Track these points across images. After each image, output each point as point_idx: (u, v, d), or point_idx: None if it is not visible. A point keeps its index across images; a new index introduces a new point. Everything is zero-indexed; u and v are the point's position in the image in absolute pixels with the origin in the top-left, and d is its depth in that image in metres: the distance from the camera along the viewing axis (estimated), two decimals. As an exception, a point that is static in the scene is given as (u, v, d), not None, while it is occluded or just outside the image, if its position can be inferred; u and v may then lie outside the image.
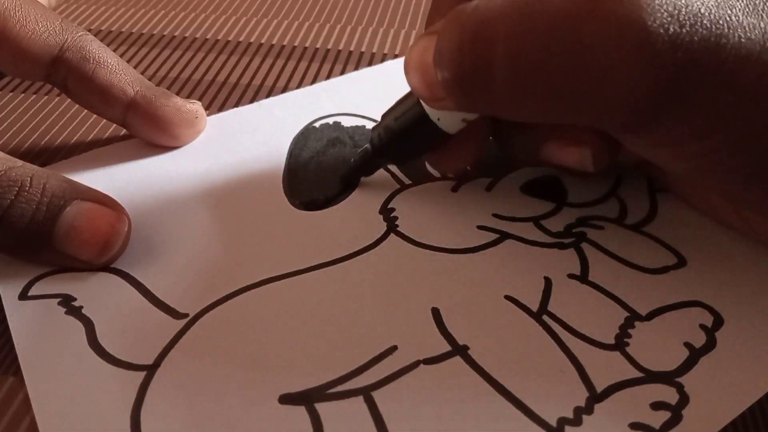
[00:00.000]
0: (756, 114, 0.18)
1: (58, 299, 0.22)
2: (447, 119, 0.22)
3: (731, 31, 0.17)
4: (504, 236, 0.24)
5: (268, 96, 0.32)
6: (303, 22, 0.38)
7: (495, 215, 0.25)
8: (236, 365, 0.20)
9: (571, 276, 0.22)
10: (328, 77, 0.33)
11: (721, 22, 0.17)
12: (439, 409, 0.19)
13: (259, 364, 0.20)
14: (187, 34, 0.37)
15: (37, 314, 0.21)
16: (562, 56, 0.18)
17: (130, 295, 0.22)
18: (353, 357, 0.20)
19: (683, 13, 0.17)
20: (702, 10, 0.17)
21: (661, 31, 0.17)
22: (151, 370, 0.20)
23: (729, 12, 0.17)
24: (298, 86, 0.32)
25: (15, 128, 0.30)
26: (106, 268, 0.23)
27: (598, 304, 0.22)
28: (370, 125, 0.29)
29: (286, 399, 0.19)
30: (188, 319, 0.21)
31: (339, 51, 0.35)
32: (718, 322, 0.21)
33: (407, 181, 0.26)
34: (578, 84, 0.18)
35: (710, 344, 0.20)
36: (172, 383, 0.19)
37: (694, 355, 0.20)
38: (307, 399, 0.19)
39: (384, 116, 0.24)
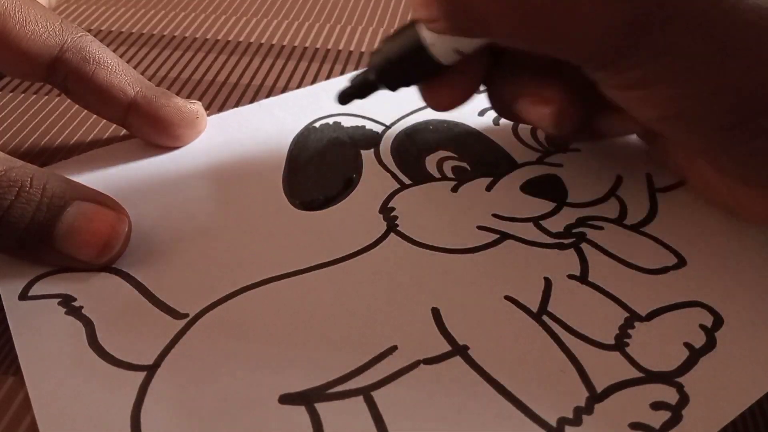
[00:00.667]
0: (724, 63, 0.18)
1: (58, 299, 0.22)
2: (440, 47, 0.23)
3: None
4: (504, 236, 0.24)
5: (268, 96, 0.32)
6: (303, 22, 0.38)
7: (495, 215, 0.25)
8: (236, 365, 0.20)
9: (571, 276, 0.22)
10: (328, 77, 0.33)
11: None
12: (439, 409, 0.19)
13: (259, 364, 0.20)
14: (187, 34, 0.37)
15: (37, 314, 0.21)
16: None
17: (130, 295, 0.22)
18: (353, 357, 0.20)
19: None
20: None
21: None
22: (151, 370, 0.20)
23: None
24: (298, 86, 0.32)
25: (15, 128, 0.30)
26: (106, 268, 0.23)
27: (598, 304, 0.22)
28: (370, 125, 0.29)
29: (286, 399, 0.19)
30: (188, 319, 0.21)
31: (339, 51, 0.35)
32: (718, 322, 0.21)
33: (407, 181, 0.26)
34: (554, 5, 0.19)
35: (710, 344, 0.20)
36: (172, 383, 0.19)
37: (694, 355, 0.20)
38: (307, 399, 0.19)
39: (384, 41, 0.25)
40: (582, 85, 0.22)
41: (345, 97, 0.26)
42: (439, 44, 0.23)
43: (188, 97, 0.31)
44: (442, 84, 0.24)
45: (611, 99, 0.21)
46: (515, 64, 0.24)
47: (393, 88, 0.26)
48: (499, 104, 0.26)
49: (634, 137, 0.28)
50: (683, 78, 0.19)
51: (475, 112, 0.30)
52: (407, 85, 0.25)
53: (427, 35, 0.23)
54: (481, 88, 0.25)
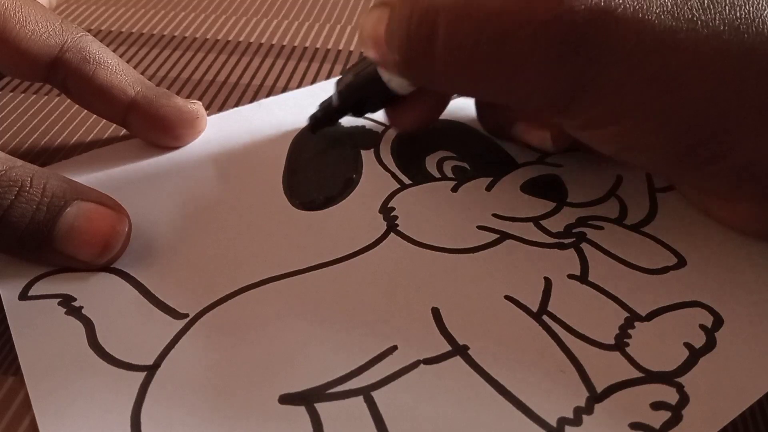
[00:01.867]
0: (664, 100, 0.19)
1: (58, 299, 0.22)
2: (396, 81, 0.25)
3: (646, 25, 0.19)
4: (504, 236, 0.24)
5: (268, 96, 0.32)
6: (303, 22, 0.38)
7: (495, 215, 0.25)
8: (236, 365, 0.20)
9: (571, 276, 0.22)
10: (328, 77, 0.33)
11: (637, 13, 0.19)
12: (439, 409, 0.19)
13: (259, 364, 0.20)
14: (187, 34, 0.37)
15: (37, 314, 0.21)
16: (490, 44, 0.20)
17: (130, 295, 0.22)
18: (353, 357, 0.20)
19: (600, 4, 0.19)
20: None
21: (571, 18, 0.19)
22: (151, 370, 0.20)
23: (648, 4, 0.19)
24: (298, 86, 0.32)
25: (15, 128, 0.30)
26: (106, 268, 0.23)
27: (598, 304, 0.22)
28: (370, 125, 0.29)
29: (286, 399, 0.19)
30: (188, 319, 0.21)
31: (339, 51, 0.35)
32: (718, 322, 0.21)
33: (407, 181, 0.26)
34: (503, 69, 0.21)
35: (710, 344, 0.20)
36: (172, 383, 0.19)
37: (694, 355, 0.20)
38: (307, 399, 0.19)
39: (346, 72, 0.27)
40: None
41: (315, 125, 0.28)
42: (394, 79, 0.25)
43: (188, 97, 0.31)
44: (404, 110, 0.27)
45: (574, 136, 0.23)
46: None
47: (358, 114, 0.28)
48: (490, 126, 0.28)
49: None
50: (627, 116, 0.20)
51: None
52: (371, 111, 0.28)
53: (384, 72, 0.25)
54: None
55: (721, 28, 0.19)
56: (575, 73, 0.20)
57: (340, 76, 0.27)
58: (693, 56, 0.19)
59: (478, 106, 0.27)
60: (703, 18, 0.19)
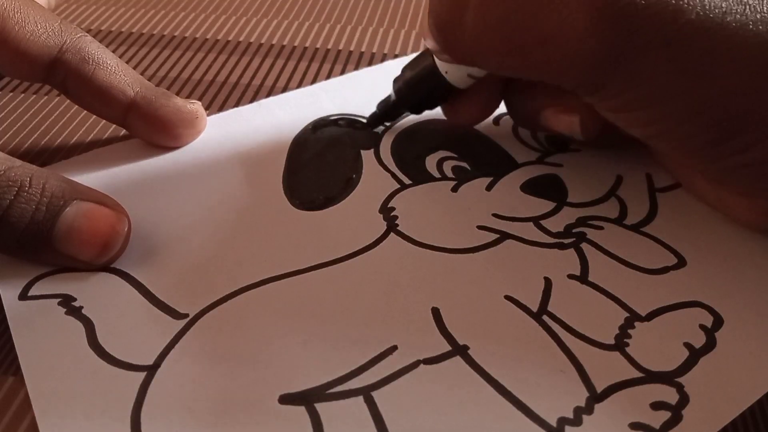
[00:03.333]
0: (702, 89, 0.19)
1: (58, 299, 0.22)
2: (454, 74, 0.25)
3: (690, 7, 0.18)
4: (504, 236, 0.24)
5: (268, 96, 0.32)
6: (303, 22, 0.38)
7: (495, 215, 0.25)
8: (236, 365, 0.20)
9: (571, 276, 0.22)
10: (328, 77, 0.33)
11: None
12: (439, 409, 0.19)
13: (259, 364, 0.20)
14: (187, 34, 0.37)
15: (37, 314, 0.21)
16: (522, 12, 0.20)
17: (130, 295, 0.22)
18: (353, 357, 0.20)
19: None
20: None
21: None
22: (151, 370, 0.20)
23: None
24: (298, 86, 0.32)
25: (15, 128, 0.30)
26: (106, 268, 0.23)
27: (598, 304, 0.22)
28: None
29: (286, 399, 0.19)
30: (188, 319, 0.21)
31: (339, 51, 0.35)
32: (718, 322, 0.21)
33: (407, 181, 0.26)
34: (533, 41, 0.20)
35: (710, 344, 0.20)
36: (172, 383, 0.19)
37: (694, 355, 0.20)
38: (307, 399, 0.19)
39: (404, 69, 0.27)
40: None
41: (374, 122, 0.29)
42: (452, 71, 0.25)
43: (188, 97, 0.31)
44: (462, 104, 0.27)
45: (606, 118, 0.22)
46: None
47: (416, 111, 0.28)
48: (519, 115, 0.27)
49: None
50: (663, 102, 0.20)
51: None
52: (429, 107, 0.28)
53: (440, 64, 0.25)
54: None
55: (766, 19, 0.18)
56: (611, 48, 0.19)
57: (398, 74, 0.27)
58: (736, 46, 0.18)
59: (507, 95, 0.27)
60: (751, 3, 0.19)
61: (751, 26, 0.18)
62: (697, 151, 0.21)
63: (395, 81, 0.27)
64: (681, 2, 0.18)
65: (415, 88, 0.27)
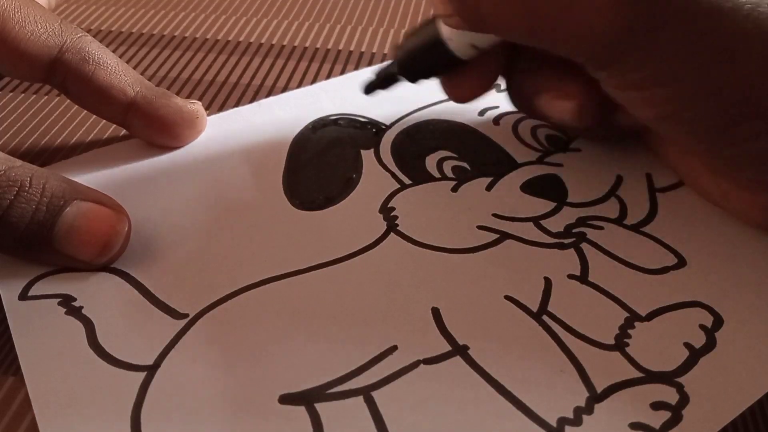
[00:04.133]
0: (719, 68, 0.19)
1: (58, 299, 0.22)
2: (457, 41, 0.24)
3: None
4: (504, 236, 0.24)
5: (268, 96, 0.32)
6: (303, 22, 0.38)
7: (495, 215, 0.25)
8: (236, 365, 0.20)
9: (571, 276, 0.22)
10: (328, 77, 0.33)
11: None
12: (439, 409, 0.19)
13: (259, 364, 0.20)
14: (187, 34, 0.37)
15: (37, 314, 0.21)
16: None
17: (130, 295, 0.22)
18: (353, 357, 0.20)
19: None
20: None
21: None
22: (151, 370, 0.20)
23: None
24: (298, 86, 0.32)
25: (15, 128, 0.30)
26: (106, 268, 0.23)
27: (598, 304, 0.22)
28: (370, 125, 0.29)
29: (286, 399, 0.19)
30: (188, 319, 0.21)
31: (339, 51, 0.35)
32: (718, 322, 0.21)
33: (407, 181, 0.26)
34: (553, 5, 0.20)
35: (710, 344, 0.20)
36: (172, 383, 0.19)
37: (694, 355, 0.20)
38: (307, 399, 0.19)
39: (406, 36, 0.26)
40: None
41: (369, 88, 0.28)
42: (456, 39, 0.24)
43: (188, 97, 0.31)
44: (461, 77, 0.26)
45: (612, 97, 0.22)
46: (536, 60, 0.25)
47: (413, 79, 0.27)
48: (518, 99, 0.27)
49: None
50: (679, 81, 0.19)
51: (475, 111, 0.30)
52: (427, 77, 0.27)
53: (445, 30, 0.24)
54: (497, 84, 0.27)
55: None
56: (631, 21, 0.19)
57: (398, 41, 0.27)
58: (757, 28, 0.18)
59: (508, 75, 0.26)
60: None
61: (763, 9, 0.18)
62: (707, 136, 0.21)
63: (396, 48, 0.27)
64: None
65: (416, 55, 0.26)
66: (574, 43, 0.20)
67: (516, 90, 0.26)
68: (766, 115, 0.19)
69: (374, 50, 0.35)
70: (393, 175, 0.27)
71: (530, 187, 0.26)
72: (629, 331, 0.21)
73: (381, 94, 0.29)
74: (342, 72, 0.34)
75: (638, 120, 0.24)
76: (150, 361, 0.20)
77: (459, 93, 0.26)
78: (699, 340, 0.20)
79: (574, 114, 0.24)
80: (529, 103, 0.26)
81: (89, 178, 0.26)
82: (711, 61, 0.19)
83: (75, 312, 0.21)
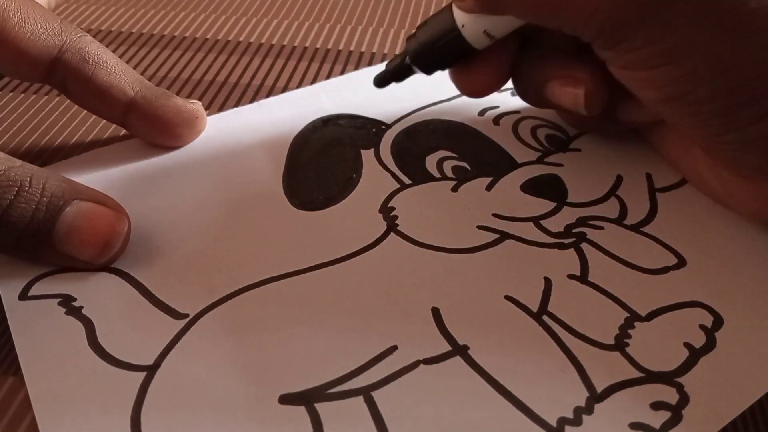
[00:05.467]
0: (729, 45, 0.19)
1: (58, 299, 0.22)
2: (471, 28, 0.24)
3: None
4: (504, 236, 0.24)
5: (268, 96, 0.32)
6: (303, 22, 0.38)
7: (495, 215, 0.25)
8: (236, 365, 0.20)
9: (571, 276, 0.22)
10: (328, 77, 0.33)
11: None
12: (439, 409, 0.19)
13: (259, 364, 0.20)
14: (187, 34, 0.37)
15: (37, 314, 0.21)
16: None
17: (130, 295, 0.22)
18: (353, 357, 0.20)
19: None
20: None
21: None
22: (151, 370, 0.20)
23: None
24: (298, 86, 0.32)
25: (15, 128, 0.30)
26: (106, 268, 0.23)
27: (598, 304, 0.22)
28: (370, 125, 0.29)
29: (286, 399, 0.19)
30: (188, 319, 0.21)
31: (339, 51, 0.35)
32: (718, 322, 0.21)
33: (407, 181, 0.26)
34: None
35: (710, 344, 0.20)
36: (172, 384, 0.19)
37: (694, 355, 0.20)
38: (307, 399, 0.19)
39: (419, 26, 0.26)
40: (607, 69, 0.23)
41: (382, 81, 0.28)
42: (469, 25, 0.24)
43: (188, 97, 0.31)
44: (474, 68, 0.25)
45: (619, 79, 0.22)
46: (544, 49, 0.25)
47: (428, 71, 0.27)
48: (525, 89, 0.27)
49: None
50: (687, 58, 0.19)
51: (475, 111, 0.30)
52: (441, 68, 0.26)
53: (458, 16, 0.24)
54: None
55: None
56: None
57: (411, 32, 0.27)
58: (763, 6, 0.18)
59: (516, 65, 0.26)
60: None
61: None
62: (712, 118, 0.21)
63: (409, 39, 0.27)
64: None
65: (429, 46, 0.26)
66: (584, 20, 0.20)
67: (524, 80, 0.26)
68: None
69: (374, 50, 0.35)
70: (393, 174, 0.27)
71: (530, 187, 0.26)
72: (629, 331, 0.21)
73: (381, 94, 0.29)
74: (342, 72, 0.34)
75: (641, 114, 0.24)
76: (150, 361, 0.20)
77: (471, 86, 0.26)
78: (699, 340, 0.20)
79: (583, 101, 0.24)
80: (537, 92, 0.26)
81: (89, 178, 0.26)
82: (718, 38, 0.19)
83: (75, 312, 0.21)
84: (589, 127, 0.28)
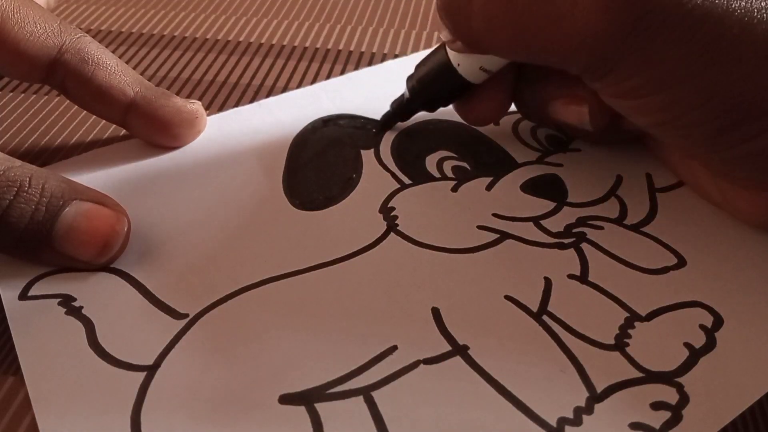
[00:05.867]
0: (714, 72, 0.19)
1: (58, 299, 0.22)
2: (466, 66, 0.25)
3: None
4: (504, 236, 0.24)
5: (268, 96, 0.32)
6: (303, 22, 0.38)
7: (495, 215, 0.25)
8: (236, 365, 0.20)
9: (571, 276, 0.22)
10: (328, 77, 0.33)
11: None
12: (439, 409, 0.19)
13: (259, 364, 0.20)
14: (187, 34, 0.37)
15: (37, 314, 0.21)
16: None
17: (130, 295, 0.22)
18: (353, 357, 0.20)
19: None
20: None
21: None
22: (151, 370, 0.20)
23: None
24: (298, 86, 0.32)
25: (15, 128, 0.30)
26: (106, 268, 0.23)
27: (598, 304, 0.22)
28: (370, 125, 0.29)
29: (286, 399, 0.19)
30: (188, 319, 0.21)
31: (339, 51, 0.35)
32: (718, 322, 0.21)
33: (407, 181, 0.26)
34: (542, 22, 0.20)
35: (710, 344, 0.20)
36: (172, 384, 0.19)
37: (694, 355, 0.20)
38: (307, 399, 0.19)
39: (417, 66, 0.27)
40: None
41: (387, 123, 0.28)
42: (464, 63, 0.25)
43: (188, 97, 0.31)
44: (475, 101, 0.26)
45: (611, 106, 0.22)
46: (543, 70, 0.24)
47: (430, 108, 0.28)
48: (528, 110, 0.27)
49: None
50: (674, 87, 0.20)
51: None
52: (442, 104, 0.27)
53: (452, 56, 0.25)
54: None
55: None
56: (622, 29, 0.19)
57: (411, 72, 0.27)
58: (745, 32, 0.18)
59: (517, 87, 0.26)
60: None
61: (755, 14, 0.19)
62: (704, 140, 0.21)
63: (409, 78, 0.27)
64: None
65: (428, 84, 0.26)
66: (568, 56, 0.21)
67: (526, 103, 0.27)
68: (759, 117, 0.19)
69: (374, 50, 0.35)
70: (393, 175, 0.27)
71: (530, 187, 0.26)
72: (629, 331, 0.21)
73: (381, 95, 0.29)
74: (342, 72, 0.34)
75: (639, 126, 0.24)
76: (150, 361, 0.20)
77: (474, 117, 0.27)
78: (699, 340, 0.20)
79: (588, 117, 0.24)
80: (540, 111, 0.26)
81: (89, 178, 0.26)
82: (703, 66, 0.19)
83: (75, 312, 0.21)
84: (591, 138, 0.28)
